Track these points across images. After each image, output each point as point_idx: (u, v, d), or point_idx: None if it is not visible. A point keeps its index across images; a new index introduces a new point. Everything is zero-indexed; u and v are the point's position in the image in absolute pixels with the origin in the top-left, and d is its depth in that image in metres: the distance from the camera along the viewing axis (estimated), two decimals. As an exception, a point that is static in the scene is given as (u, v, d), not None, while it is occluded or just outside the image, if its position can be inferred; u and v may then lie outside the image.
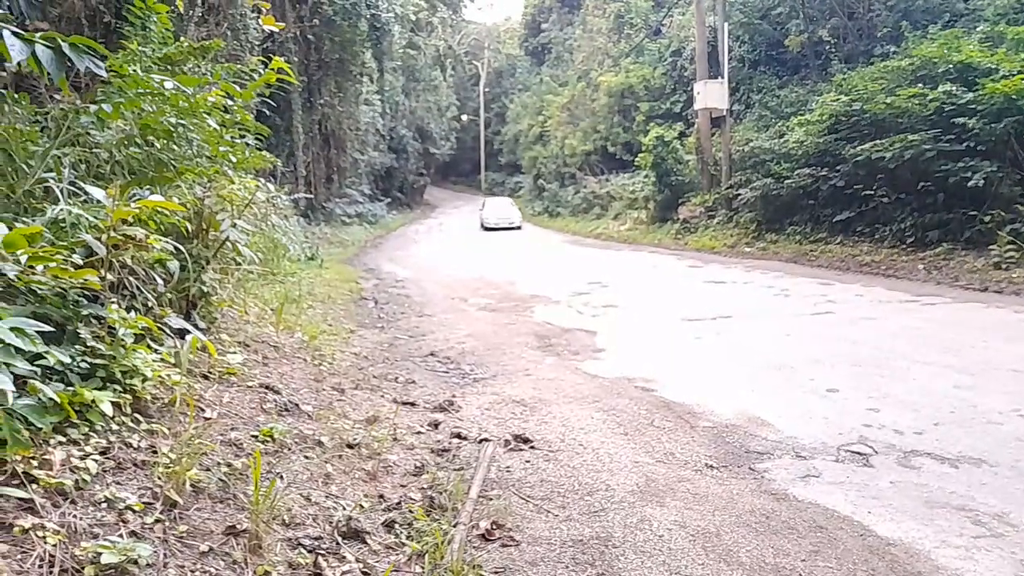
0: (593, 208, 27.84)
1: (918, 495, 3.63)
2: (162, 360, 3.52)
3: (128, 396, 3.13)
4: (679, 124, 22.92)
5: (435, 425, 4.81)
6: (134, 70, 4.68)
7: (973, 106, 11.33)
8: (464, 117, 50.85)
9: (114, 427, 2.98)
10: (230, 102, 5.24)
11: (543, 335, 8.10)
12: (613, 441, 4.51)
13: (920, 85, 12.55)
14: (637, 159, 22.48)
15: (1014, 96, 10.71)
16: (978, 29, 13.31)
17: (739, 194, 17.40)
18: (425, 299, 11.53)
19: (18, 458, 2.48)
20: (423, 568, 2.86)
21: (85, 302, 3.15)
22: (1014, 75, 10.93)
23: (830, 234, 14.41)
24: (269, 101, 5.66)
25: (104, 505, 2.58)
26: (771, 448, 4.40)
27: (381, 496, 3.52)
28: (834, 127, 14.40)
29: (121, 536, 2.45)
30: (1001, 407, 4.84)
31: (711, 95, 18.60)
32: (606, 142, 28.86)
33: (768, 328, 7.96)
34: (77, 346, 3.01)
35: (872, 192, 13.25)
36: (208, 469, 3.05)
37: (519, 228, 29.16)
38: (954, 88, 11.79)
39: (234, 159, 5.09)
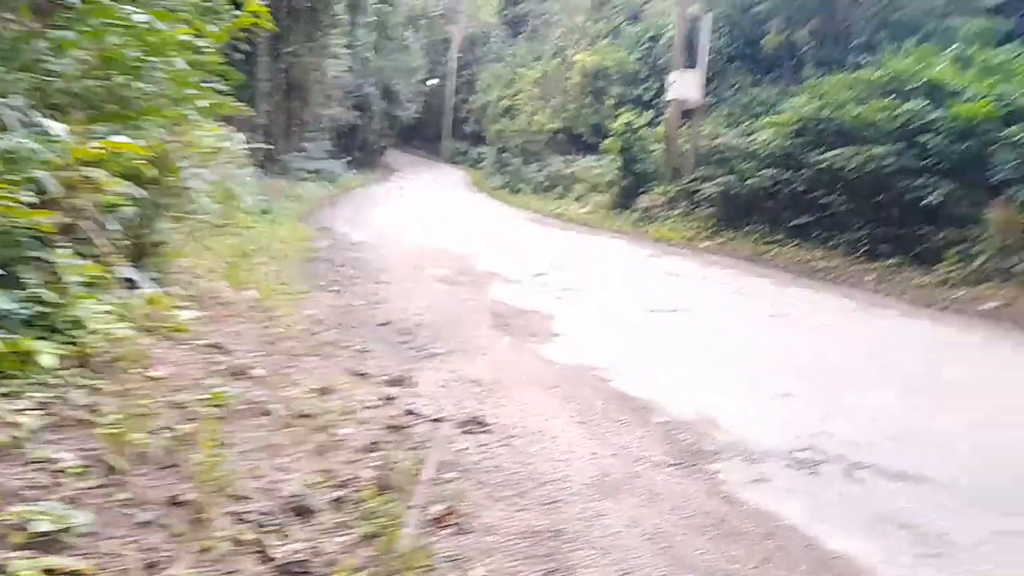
0: (555, 187, 27.66)
1: (865, 509, 3.69)
2: (110, 312, 3.32)
3: (72, 348, 2.94)
4: (649, 112, 22.86)
5: (389, 399, 4.69)
6: (99, -3, 4.36)
7: (938, 125, 11.56)
8: (432, 81, 49.84)
9: (54, 381, 2.80)
10: (200, 42, 4.96)
11: (501, 314, 8.02)
12: (570, 430, 4.48)
13: (890, 98, 12.74)
14: (604, 143, 22.38)
15: (977, 119, 10.97)
16: (950, 49, 13.55)
17: (701, 188, 17.48)
18: (382, 265, 11.30)
19: (-54, 409, 2.29)
20: (374, 551, 2.77)
21: (32, 244, 2.93)
22: (979, 99, 11.19)
23: (786, 237, 14.60)
24: (240, 45, 5.36)
25: (39, 465, 2.42)
26: (723, 448, 4.43)
27: (331, 472, 3.40)
28: (801, 131, 14.52)
29: (55, 501, 2.30)
30: (946, 426, 4.97)
31: (685, 85, 18.57)
32: (575, 122, 28.65)
33: (724, 326, 8.04)
34: (20, 291, 2.80)
35: (831, 199, 13.46)
36: (153, 432, 2.89)
37: None
38: (922, 105, 12.01)
39: (204, 103, 4.81)
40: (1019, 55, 12.62)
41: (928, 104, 12.04)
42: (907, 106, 12.20)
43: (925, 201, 11.40)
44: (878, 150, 12.23)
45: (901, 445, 4.58)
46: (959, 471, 4.20)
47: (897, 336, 8.20)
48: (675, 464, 4.13)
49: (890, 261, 11.96)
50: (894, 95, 12.86)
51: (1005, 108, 11.07)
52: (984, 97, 11.21)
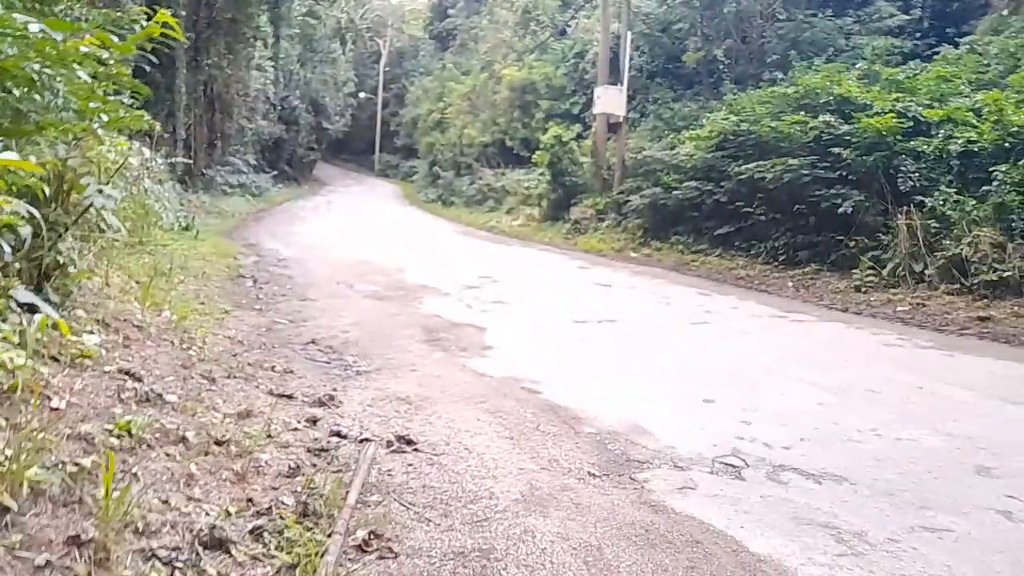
0: (487, 200, 27.78)
1: (786, 511, 3.77)
2: (4, 339, 3.11)
3: (-42, 381, 2.74)
4: (577, 126, 23.24)
5: (313, 421, 4.56)
6: (-9, 6, 4.11)
7: (848, 138, 12.14)
8: (361, 94, 49.36)
9: (-63, 416, 2.60)
10: (106, 53, 4.73)
11: (431, 328, 7.94)
12: (499, 445, 4.45)
13: (803, 113, 13.31)
14: (534, 156, 22.61)
15: (884, 132, 11.56)
16: (857, 66, 14.26)
17: (629, 200, 17.85)
18: (308, 281, 11.07)
19: None
20: (293, 582, 2.67)
21: (-90, 270, 2.72)
22: (885, 113, 11.79)
23: (710, 246, 15.05)
24: (150, 57, 5.11)
25: (-83, 510, 2.23)
26: (651, 457, 4.46)
27: (250, 500, 3.26)
28: (722, 144, 15.03)
29: (-64, 548, 2.12)
30: (860, 426, 5.15)
31: (610, 100, 18.98)
32: (504, 136, 28.88)
33: (650, 335, 8.18)
34: None
35: (751, 210, 13.95)
36: (50, 468, 2.71)
37: None
38: (832, 119, 12.60)
39: (106, 117, 4.59)
40: (920, 72, 13.37)
41: (838, 118, 12.61)
42: (819, 120, 12.76)
43: (840, 210, 11.92)
44: (794, 162, 12.76)
45: (820, 446, 4.72)
46: (876, 470, 4.35)
47: (815, 340, 8.50)
48: (604, 475, 4.14)
49: (808, 268, 12.47)
50: (806, 110, 13.43)
51: (909, 122, 11.70)
52: (890, 112, 11.83)
